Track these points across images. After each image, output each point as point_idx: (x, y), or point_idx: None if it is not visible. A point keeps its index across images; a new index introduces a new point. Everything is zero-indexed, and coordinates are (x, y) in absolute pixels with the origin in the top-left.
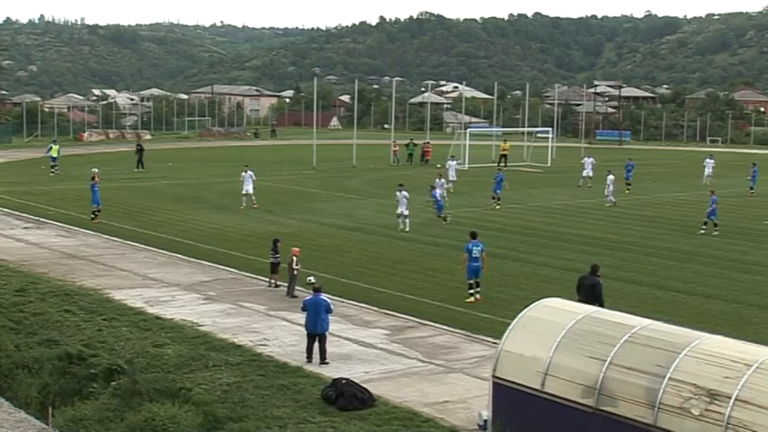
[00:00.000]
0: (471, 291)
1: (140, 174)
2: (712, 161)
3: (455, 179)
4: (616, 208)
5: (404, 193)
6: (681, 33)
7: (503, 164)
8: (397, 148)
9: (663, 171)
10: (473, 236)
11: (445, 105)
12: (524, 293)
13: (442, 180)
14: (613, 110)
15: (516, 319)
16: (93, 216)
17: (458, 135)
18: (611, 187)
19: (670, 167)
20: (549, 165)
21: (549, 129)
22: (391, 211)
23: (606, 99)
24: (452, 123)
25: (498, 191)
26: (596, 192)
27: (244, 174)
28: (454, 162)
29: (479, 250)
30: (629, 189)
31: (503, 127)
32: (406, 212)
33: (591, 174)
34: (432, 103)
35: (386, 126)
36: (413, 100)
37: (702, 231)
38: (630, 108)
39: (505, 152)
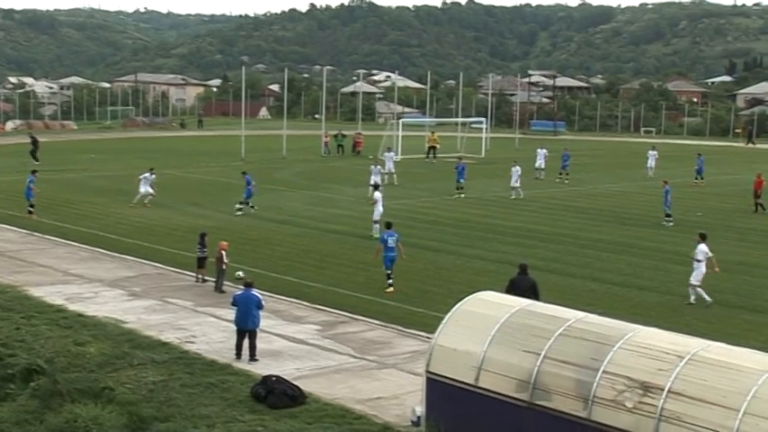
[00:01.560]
0: (389, 281)
1: (39, 166)
2: (655, 153)
3: (392, 171)
4: (552, 199)
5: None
6: (615, 23)
7: (432, 155)
8: (328, 139)
9: (597, 162)
10: (388, 226)
11: (377, 95)
12: (458, 287)
13: (378, 167)
14: (548, 100)
15: (450, 313)
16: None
17: (390, 125)
18: (514, 178)
19: (604, 158)
20: (482, 156)
21: (483, 119)
22: (321, 203)
23: (541, 89)
24: (385, 114)
25: (461, 180)
26: (539, 183)
27: (146, 175)
28: (391, 153)
29: (395, 240)
30: (567, 180)
31: (436, 117)
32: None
33: (543, 165)
34: (364, 92)
35: (316, 116)
36: (344, 89)
37: (671, 224)
38: (565, 98)
39: (433, 144)
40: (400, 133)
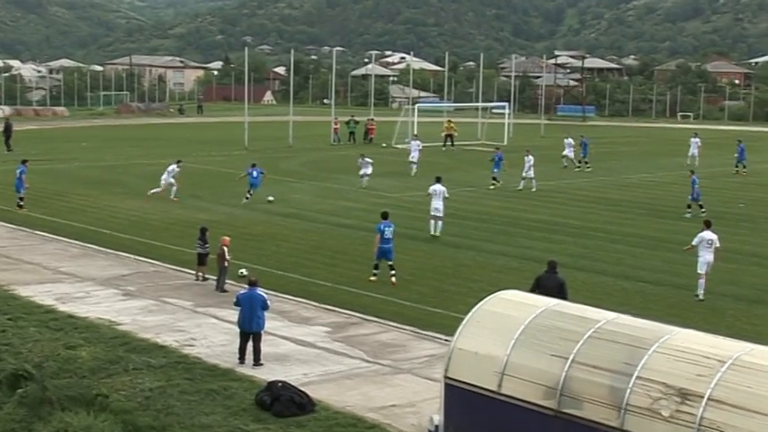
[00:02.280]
0: (375, 271)
1: (9, 156)
2: (698, 140)
3: (415, 161)
4: (580, 190)
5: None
6: None
7: (449, 144)
8: (338, 125)
9: (630, 150)
10: (384, 216)
11: (391, 78)
12: (479, 285)
13: (367, 159)
14: (576, 83)
15: (470, 314)
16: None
17: (405, 111)
18: (526, 168)
19: (637, 146)
20: (505, 143)
21: (506, 104)
22: (331, 195)
23: (568, 71)
24: (399, 98)
25: (497, 170)
26: (566, 173)
27: (173, 167)
28: (417, 142)
29: (391, 231)
30: (588, 168)
31: (455, 102)
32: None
33: (571, 154)
34: (376, 75)
35: (325, 101)
36: (355, 72)
37: (688, 215)
38: (594, 81)
39: (450, 131)
40: (416, 119)
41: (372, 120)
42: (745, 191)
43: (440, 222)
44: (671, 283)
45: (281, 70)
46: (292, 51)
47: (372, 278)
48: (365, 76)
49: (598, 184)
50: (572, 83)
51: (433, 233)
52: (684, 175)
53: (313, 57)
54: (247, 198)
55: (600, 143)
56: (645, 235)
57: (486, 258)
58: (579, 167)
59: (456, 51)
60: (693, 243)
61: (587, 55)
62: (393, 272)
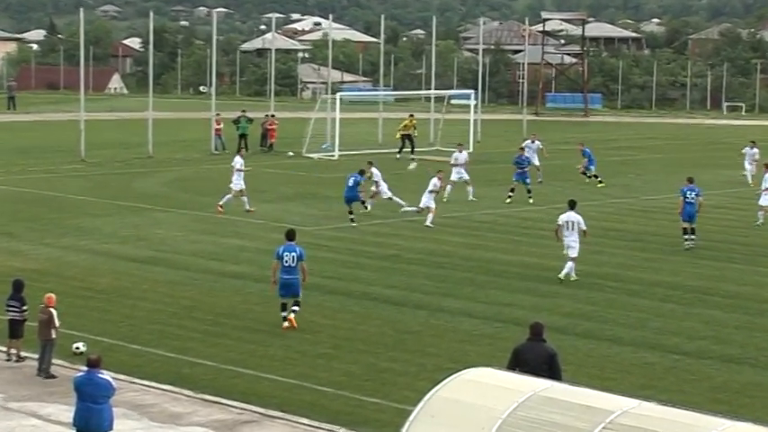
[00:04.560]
0: (285, 314)
1: None
2: (754, 151)
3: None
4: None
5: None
6: None
7: (408, 150)
8: (221, 125)
9: (653, 158)
10: (289, 236)
11: (300, 54)
12: (434, 361)
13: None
14: (574, 59)
15: (421, 404)
16: None
17: (321, 103)
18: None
19: (664, 151)
20: (470, 149)
21: (471, 92)
22: (212, 229)
23: (562, 42)
24: (313, 84)
25: (524, 181)
26: (558, 194)
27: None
28: (376, 171)
29: (294, 257)
30: (601, 184)
31: (394, 89)
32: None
33: (536, 162)
34: (278, 50)
35: (202, 89)
36: (246, 45)
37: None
38: (601, 56)
39: (408, 131)
40: (338, 115)
41: (273, 117)
42: None
43: (570, 263)
44: (717, 355)
45: (134, 43)
46: (151, 15)
47: (285, 324)
48: (261, 52)
49: (608, 210)
50: (568, 59)
51: (563, 276)
52: (736, 194)
53: (183, 23)
54: (351, 218)
55: (609, 149)
56: (677, 284)
57: (445, 321)
58: (589, 179)
59: (396, 14)
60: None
61: (590, 18)
62: (296, 309)
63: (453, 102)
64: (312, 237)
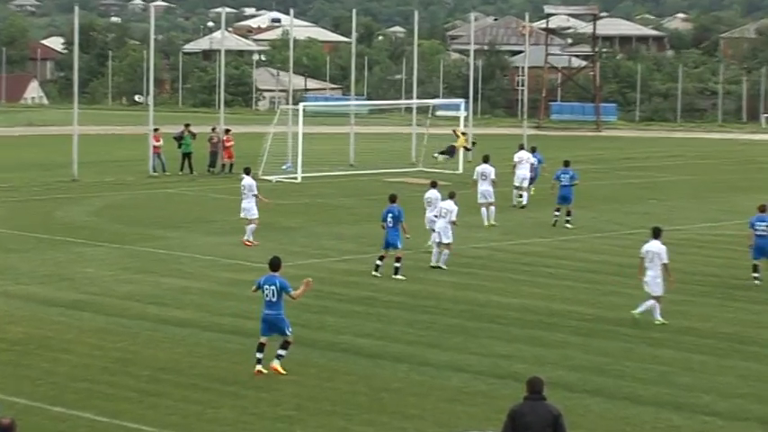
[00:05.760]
0: (259, 354)
1: None
2: None
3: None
4: (593, 253)
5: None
6: None
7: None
8: (161, 142)
9: (679, 180)
10: (271, 266)
11: (256, 57)
12: (417, 425)
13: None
14: (583, 62)
15: None
16: None
17: (281, 115)
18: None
19: (693, 172)
20: (460, 171)
21: (461, 101)
22: (149, 266)
23: (569, 41)
24: (271, 93)
25: (565, 200)
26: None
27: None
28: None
29: (274, 291)
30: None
31: (369, 99)
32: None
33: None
34: (229, 52)
35: (138, 99)
36: (190, 46)
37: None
38: (616, 58)
39: (464, 144)
40: (300, 129)
41: (228, 132)
42: None
43: (650, 302)
44: (755, 416)
45: (56, 44)
46: (76, 9)
47: (258, 368)
48: (209, 54)
49: (625, 242)
50: (576, 62)
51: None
52: None
53: (114, 19)
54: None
55: (625, 168)
56: (709, 331)
57: (430, 376)
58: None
59: (370, 8)
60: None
61: (602, 13)
62: (282, 352)
63: (439, 113)
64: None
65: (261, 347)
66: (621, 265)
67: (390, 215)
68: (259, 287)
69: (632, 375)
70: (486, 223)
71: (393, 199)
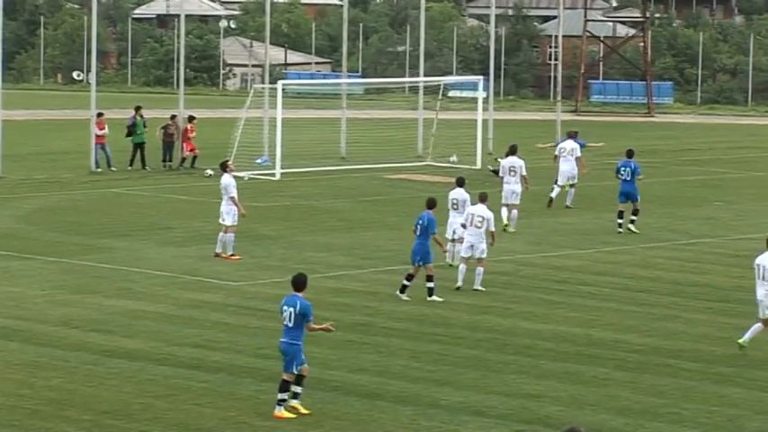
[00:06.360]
0: (281, 395)
1: None
2: None
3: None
4: (645, 267)
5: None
6: None
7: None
8: (106, 129)
9: (749, 176)
10: (295, 285)
11: (224, 24)
12: None
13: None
14: (632, 30)
15: None
16: None
17: (256, 95)
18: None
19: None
20: (478, 166)
21: (479, 78)
22: (90, 285)
23: (613, 4)
24: (243, 69)
25: (629, 197)
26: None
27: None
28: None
29: (291, 314)
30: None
31: (364, 76)
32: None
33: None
34: (189, 17)
35: (77, 76)
36: (141, 10)
37: None
38: (672, 25)
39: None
40: (279, 114)
41: (193, 120)
42: None
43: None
44: None
45: None
46: None
47: (278, 412)
48: (165, 20)
49: (684, 255)
50: (623, 30)
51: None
52: None
53: None
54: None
55: (683, 162)
56: None
57: (441, 421)
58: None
59: None
60: None
61: None
62: (298, 389)
63: (452, 94)
64: (242, 296)
65: (283, 387)
66: (678, 283)
67: (420, 224)
68: (281, 311)
69: (693, 420)
70: (505, 221)
71: (429, 204)
